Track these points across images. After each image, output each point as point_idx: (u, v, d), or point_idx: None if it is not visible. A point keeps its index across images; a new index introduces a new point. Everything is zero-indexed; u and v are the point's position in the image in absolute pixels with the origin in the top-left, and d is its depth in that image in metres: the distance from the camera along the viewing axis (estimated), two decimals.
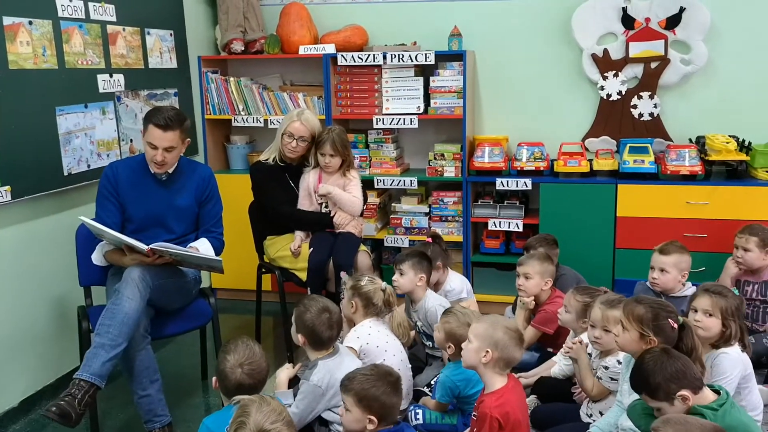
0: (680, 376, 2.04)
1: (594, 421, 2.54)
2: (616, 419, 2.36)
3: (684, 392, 2.03)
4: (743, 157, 3.77)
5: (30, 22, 3.03)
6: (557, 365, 2.95)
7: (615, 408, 2.43)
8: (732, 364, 2.47)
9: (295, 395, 2.53)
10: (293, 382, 2.65)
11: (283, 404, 2.00)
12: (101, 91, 3.47)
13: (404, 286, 3.22)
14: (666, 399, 2.05)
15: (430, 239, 3.62)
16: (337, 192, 3.54)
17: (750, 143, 3.88)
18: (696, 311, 2.55)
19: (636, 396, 2.25)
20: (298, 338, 2.60)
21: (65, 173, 3.25)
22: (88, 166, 3.39)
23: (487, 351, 2.32)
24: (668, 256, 3.18)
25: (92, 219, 2.88)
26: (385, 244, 4.30)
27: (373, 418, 2.15)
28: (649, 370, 2.07)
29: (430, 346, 3.22)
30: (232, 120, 4.39)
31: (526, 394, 2.75)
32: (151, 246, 2.75)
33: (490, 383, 2.35)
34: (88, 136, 3.39)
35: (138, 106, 3.73)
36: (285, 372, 2.64)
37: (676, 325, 2.25)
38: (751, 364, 2.57)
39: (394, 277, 3.25)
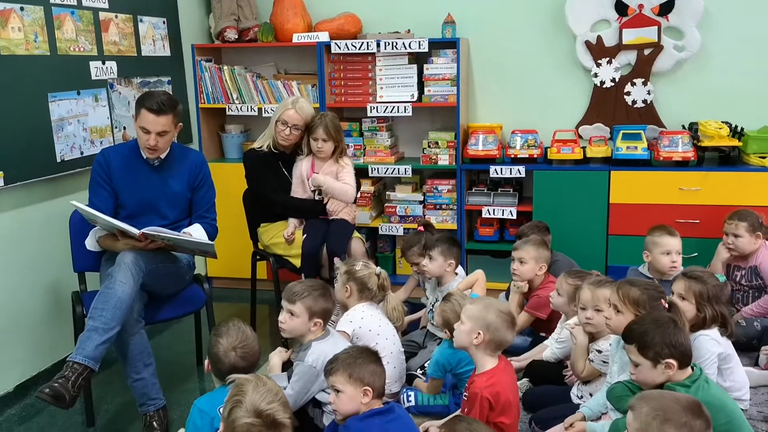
0: (677, 345, 2.06)
1: (584, 401, 2.55)
2: (605, 400, 2.37)
3: (671, 360, 2.05)
4: (736, 143, 3.78)
5: (21, 8, 3.02)
6: (549, 349, 2.96)
7: (605, 389, 2.44)
8: (711, 344, 2.50)
9: (289, 378, 2.54)
10: (285, 367, 2.66)
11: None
12: (94, 78, 3.47)
13: (433, 270, 3.26)
14: (652, 359, 2.07)
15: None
16: (329, 182, 3.53)
17: (742, 129, 3.89)
18: (672, 294, 2.59)
19: (624, 377, 2.27)
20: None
21: (58, 160, 3.25)
22: (81, 153, 3.39)
23: (479, 333, 2.34)
24: (677, 238, 3.25)
25: (85, 205, 2.88)
26: (380, 232, 4.31)
27: (368, 389, 2.16)
28: (652, 328, 2.09)
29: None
30: (227, 109, 4.39)
31: (518, 378, 2.77)
32: (142, 230, 2.75)
33: (481, 364, 2.37)
34: (81, 122, 3.39)
35: (131, 94, 3.72)
36: (278, 355, 2.65)
37: (666, 306, 2.27)
38: (732, 346, 2.61)
39: (423, 262, 3.28)
